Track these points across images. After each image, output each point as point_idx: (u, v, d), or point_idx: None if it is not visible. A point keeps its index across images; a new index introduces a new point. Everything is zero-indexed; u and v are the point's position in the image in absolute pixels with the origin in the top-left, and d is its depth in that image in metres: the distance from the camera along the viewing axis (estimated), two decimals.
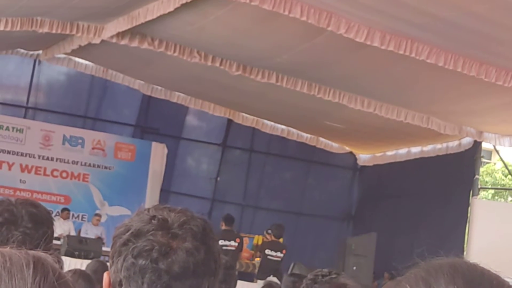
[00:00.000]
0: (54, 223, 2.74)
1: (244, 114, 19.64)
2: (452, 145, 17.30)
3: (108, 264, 1.87)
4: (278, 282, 8.72)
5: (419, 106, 15.24)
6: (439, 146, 17.62)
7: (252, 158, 21.91)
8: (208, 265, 1.77)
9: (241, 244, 15.37)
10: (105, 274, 1.76)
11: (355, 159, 21.34)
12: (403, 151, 18.96)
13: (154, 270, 1.70)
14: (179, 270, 1.71)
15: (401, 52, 11.31)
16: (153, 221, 1.76)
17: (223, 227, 15.15)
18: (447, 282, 1.22)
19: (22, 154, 19.27)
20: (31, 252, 0.92)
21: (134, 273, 1.71)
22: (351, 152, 21.12)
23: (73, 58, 18.46)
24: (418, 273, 1.21)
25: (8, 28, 13.67)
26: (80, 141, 19.80)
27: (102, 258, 12.93)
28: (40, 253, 0.94)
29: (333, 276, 3.74)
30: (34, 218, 2.55)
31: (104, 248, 15.41)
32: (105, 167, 19.97)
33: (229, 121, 20.72)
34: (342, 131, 18.92)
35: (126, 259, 1.72)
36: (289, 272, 12.42)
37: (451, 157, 17.27)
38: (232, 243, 14.93)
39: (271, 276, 13.78)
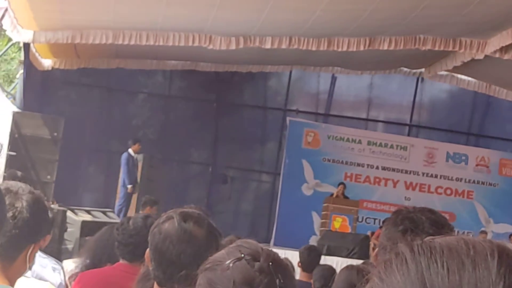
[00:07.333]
0: None
1: None
2: None
3: None
4: None
5: None
6: None
7: None
8: None
9: None
10: None
11: None
12: None
13: None
14: None
15: None
16: None
17: None
18: None
19: (406, 172, 19.62)
20: (495, 241, 0.90)
21: None
22: None
23: (455, 74, 18.44)
24: None
25: (392, 47, 14.01)
26: (463, 157, 19.73)
27: None
28: (504, 242, 0.91)
29: None
30: (435, 223, 2.65)
31: None
32: (490, 184, 19.68)
33: None
34: None
35: None
36: None
37: None
38: None
39: None
